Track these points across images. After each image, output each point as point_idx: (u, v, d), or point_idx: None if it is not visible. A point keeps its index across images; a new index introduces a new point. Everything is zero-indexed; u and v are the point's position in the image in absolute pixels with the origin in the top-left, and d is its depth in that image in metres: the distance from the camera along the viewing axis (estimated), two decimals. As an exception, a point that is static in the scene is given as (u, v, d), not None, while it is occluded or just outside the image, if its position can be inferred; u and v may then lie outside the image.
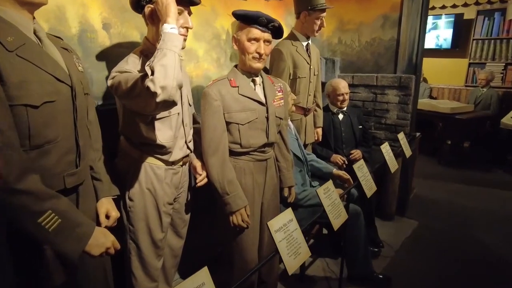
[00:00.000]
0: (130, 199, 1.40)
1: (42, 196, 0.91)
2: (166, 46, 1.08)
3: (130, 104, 1.23)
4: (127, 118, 1.32)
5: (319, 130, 2.66)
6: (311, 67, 2.37)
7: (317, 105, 2.61)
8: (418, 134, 3.12)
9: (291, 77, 2.31)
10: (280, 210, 2.02)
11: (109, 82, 1.21)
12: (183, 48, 1.36)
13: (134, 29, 1.69)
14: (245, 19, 1.44)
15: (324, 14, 2.22)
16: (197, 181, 1.52)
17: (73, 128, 1.05)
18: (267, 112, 1.55)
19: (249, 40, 1.45)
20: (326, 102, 2.84)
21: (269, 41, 1.48)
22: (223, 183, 1.49)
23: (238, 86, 1.51)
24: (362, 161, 1.93)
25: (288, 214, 1.28)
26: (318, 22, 2.23)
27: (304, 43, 2.33)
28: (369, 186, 1.88)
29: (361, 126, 2.84)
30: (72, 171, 1.05)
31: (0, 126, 0.84)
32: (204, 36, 2.10)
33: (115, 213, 1.27)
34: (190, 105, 1.52)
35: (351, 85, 3.05)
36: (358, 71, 3.14)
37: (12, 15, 0.93)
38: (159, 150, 1.38)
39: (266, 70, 2.50)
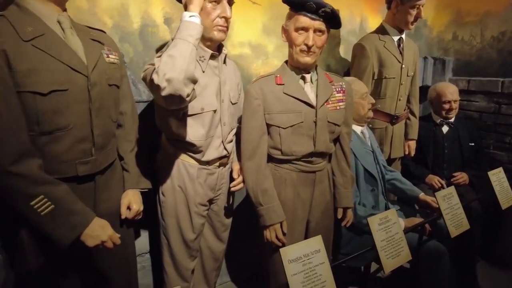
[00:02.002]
0: (163, 194, 1.38)
1: (36, 180, 0.93)
2: (180, 35, 0.99)
3: (155, 98, 1.19)
4: (160, 112, 1.29)
5: (412, 144, 2.23)
6: (403, 66, 1.97)
7: (411, 113, 2.18)
8: None
9: (375, 77, 1.97)
10: (342, 233, 1.73)
11: (142, 74, 1.19)
12: (222, 40, 1.26)
13: (196, 23, 1.66)
14: (292, 4, 1.22)
15: (423, 1, 1.80)
16: (231, 185, 1.40)
17: (88, 118, 1.05)
18: (316, 115, 1.31)
19: (297, 30, 1.23)
20: (429, 111, 2.35)
21: (321, 31, 1.23)
22: (256, 192, 1.32)
23: (284, 84, 1.31)
24: (450, 189, 1.47)
25: (315, 243, 1.03)
26: (414, 12, 1.83)
27: (396, 38, 1.96)
28: (456, 223, 1.42)
29: (473, 144, 2.26)
30: (86, 160, 1.06)
31: (0, 110, 0.88)
32: (275, 30, 1.95)
33: (136, 206, 1.25)
34: (232, 103, 1.40)
35: (465, 92, 2.47)
36: (477, 74, 2.53)
37: (37, 7, 0.98)
38: (191, 148, 1.31)
39: (348, 72, 2.20)
